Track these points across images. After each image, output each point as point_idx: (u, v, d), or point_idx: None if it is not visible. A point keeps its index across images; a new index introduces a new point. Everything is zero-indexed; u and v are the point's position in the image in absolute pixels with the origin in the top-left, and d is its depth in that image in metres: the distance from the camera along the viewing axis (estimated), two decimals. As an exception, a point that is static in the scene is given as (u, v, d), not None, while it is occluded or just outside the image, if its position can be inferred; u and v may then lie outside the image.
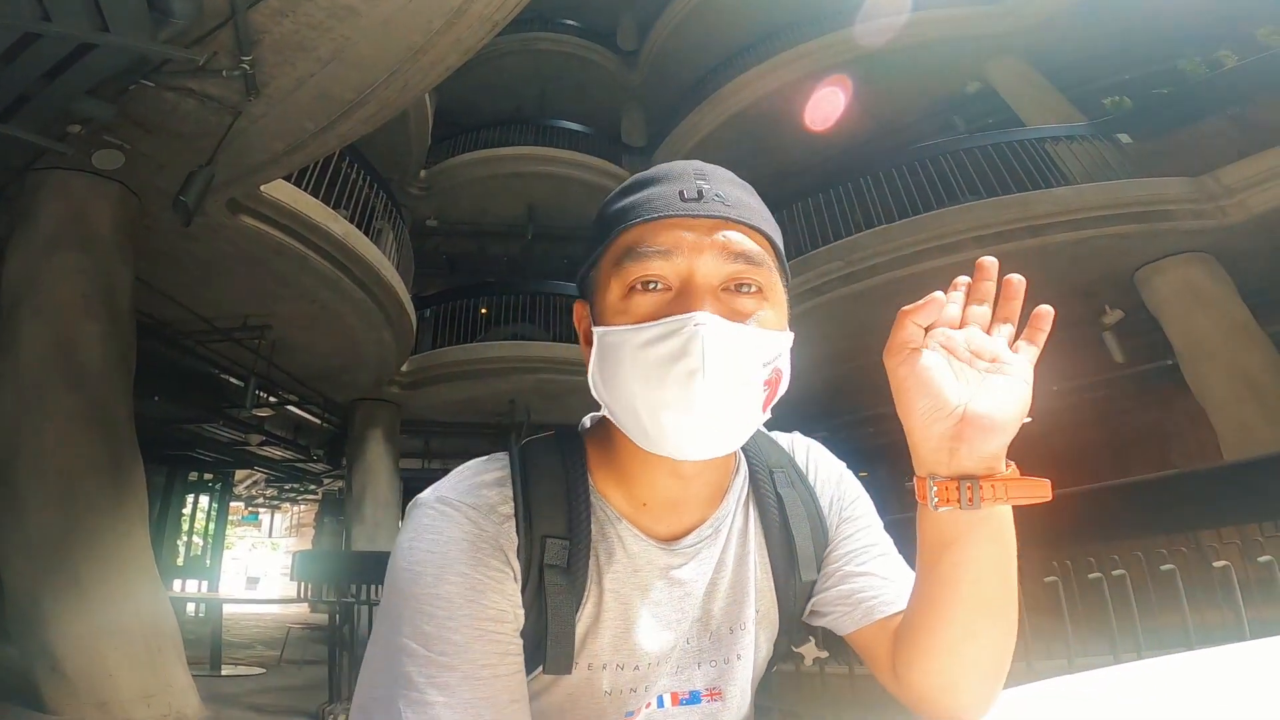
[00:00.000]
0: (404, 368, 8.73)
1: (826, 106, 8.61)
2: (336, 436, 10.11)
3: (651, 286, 0.56)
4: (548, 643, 0.58)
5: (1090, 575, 2.87)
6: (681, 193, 0.57)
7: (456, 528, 0.56)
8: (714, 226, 0.56)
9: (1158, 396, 6.80)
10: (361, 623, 4.22)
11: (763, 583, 0.67)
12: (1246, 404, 5.33)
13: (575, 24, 11.72)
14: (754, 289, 0.57)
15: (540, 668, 0.59)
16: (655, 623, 0.62)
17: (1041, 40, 8.01)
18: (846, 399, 8.55)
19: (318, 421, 9.65)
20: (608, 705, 0.62)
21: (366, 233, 6.37)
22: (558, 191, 10.59)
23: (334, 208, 5.80)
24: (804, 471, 0.72)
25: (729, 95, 9.25)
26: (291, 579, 8.57)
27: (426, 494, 0.59)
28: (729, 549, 0.66)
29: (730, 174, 0.63)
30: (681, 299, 0.54)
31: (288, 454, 11.30)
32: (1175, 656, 0.67)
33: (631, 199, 0.59)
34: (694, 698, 0.65)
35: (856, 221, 6.86)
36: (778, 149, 9.52)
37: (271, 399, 8.26)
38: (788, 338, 0.59)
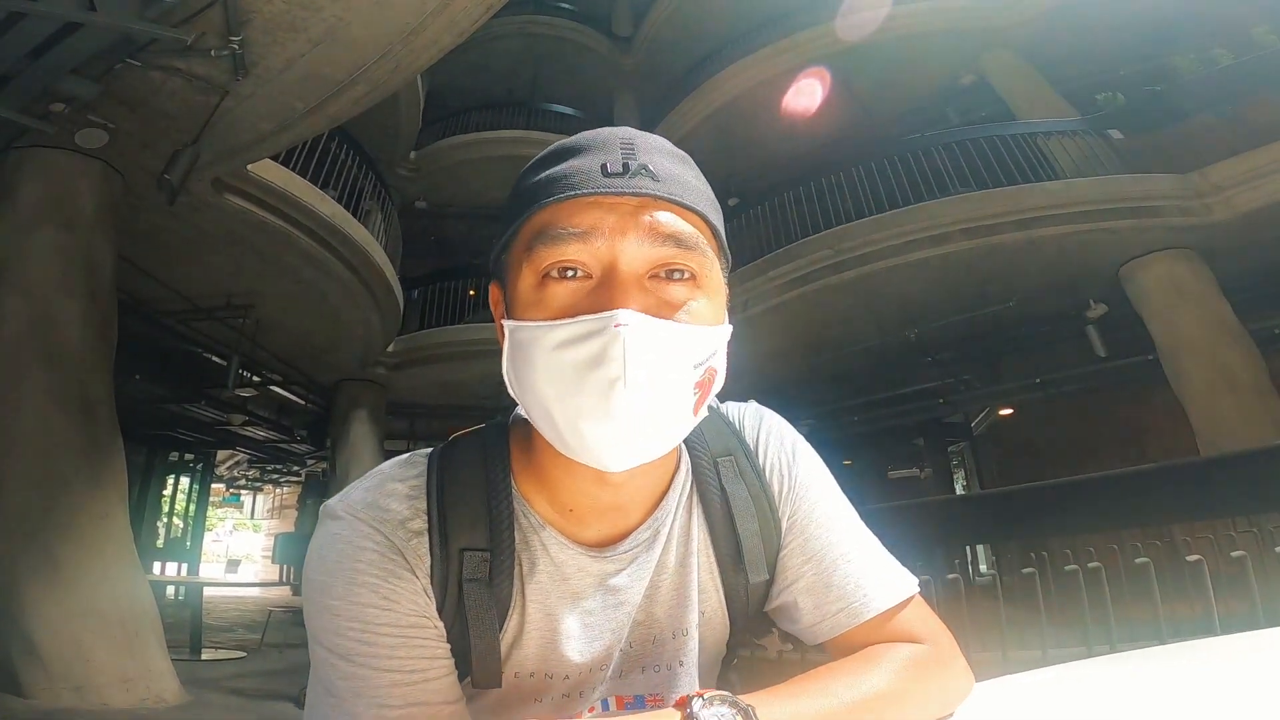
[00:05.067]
0: (390, 348, 8.69)
1: (819, 96, 8.59)
2: (320, 417, 10.05)
3: (568, 274, 0.49)
4: (472, 658, 0.54)
5: (1067, 567, 2.93)
6: (605, 165, 0.49)
7: (365, 539, 0.52)
8: (641, 205, 0.49)
9: (1138, 391, 6.91)
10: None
11: (708, 584, 0.62)
12: (1224, 400, 5.43)
13: (570, 8, 11.56)
14: (686, 275, 0.50)
15: (468, 679, 0.56)
16: (586, 633, 0.58)
17: (1037, 34, 8.01)
18: (832, 387, 8.63)
19: (301, 402, 9.58)
20: (544, 709, 0.58)
21: (355, 213, 6.30)
22: (548, 176, 10.54)
23: (322, 188, 5.74)
24: (754, 456, 0.65)
25: (722, 82, 9.18)
26: (274, 561, 8.55)
27: (335, 501, 0.55)
28: (670, 551, 0.61)
29: (665, 143, 0.55)
30: (602, 290, 0.48)
31: (271, 435, 11.19)
32: (1146, 650, 0.69)
33: (548, 172, 0.51)
34: (639, 701, 0.61)
35: (847, 211, 6.88)
36: (770, 137, 9.50)
37: (255, 379, 8.19)
38: (724, 331, 0.53)
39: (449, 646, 0.54)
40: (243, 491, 19.00)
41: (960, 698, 0.56)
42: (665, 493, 0.61)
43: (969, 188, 6.35)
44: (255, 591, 11.83)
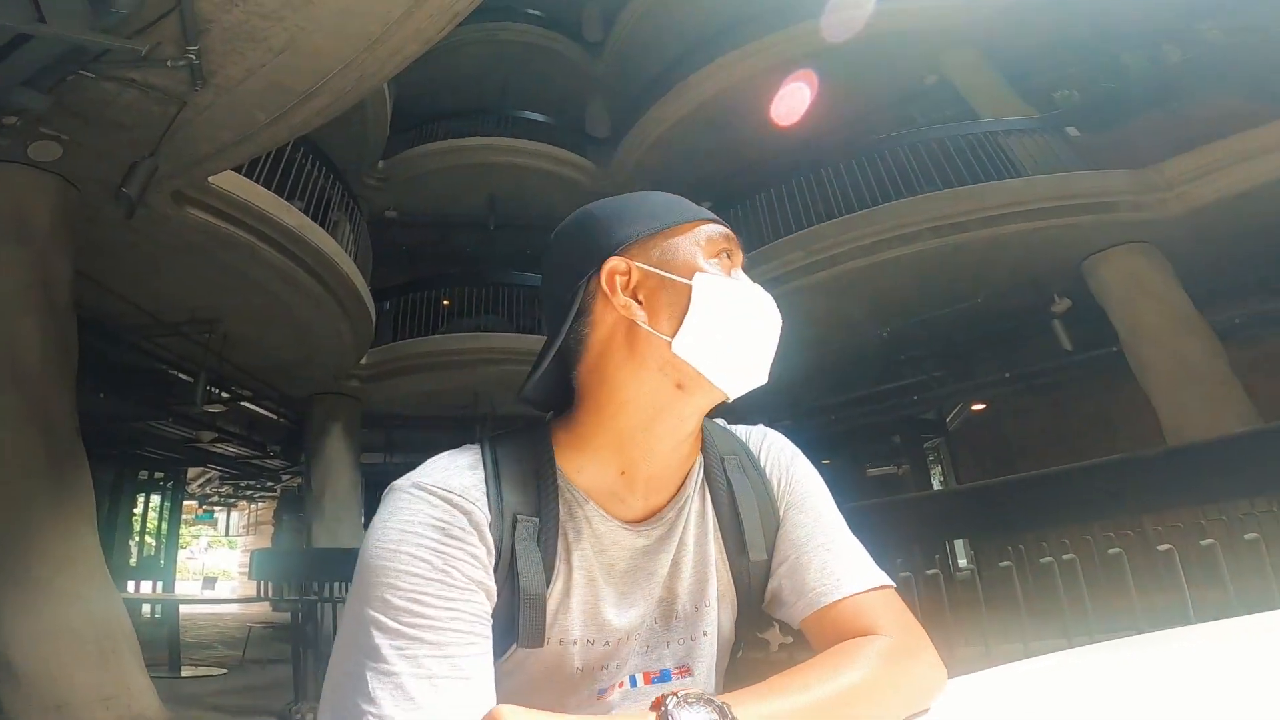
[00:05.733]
0: (363, 360, 8.57)
1: (790, 99, 8.66)
2: (294, 432, 9.90)
3: (726, 257, 0.69)
4: (520, 615, 0.60)
5: (1043, 560, 2.97)
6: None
7: (430, 509, 0.58)
8: None
9: (1104, 383, 7.06)
10: (326, 621, 4.15)
11: (719, 563, 0.71)
12: (1187, 389, 5.57)
13: (538, 14, 11.50)
14: None
15: (514, 644, 0.61)
16: (622, 600, 0.66)
17: (996, 33, 8.10)
18: (808, 387, 8.70)
19: (274, 417, 9.42)
20: (580, 681, 0.65)
21: (322, 224, 6.20)
22: (520, 182, 10.46)
23: (287, 199, 5.63)
24: (756, 457, 0.76)
25: (693, 87, 9.21)
26: (250, 578, 8.40)
27: (402, 480, 0.62)
28: (689, 530, 0.70)
29: None
30: (740, 273, 0.70)
31: (243, 451, 11.02)
32: (1123, 640, 0.71)
33: (679, 202, 0.72)
34: (665, 675, 0.68)
35: (818, 212, 6.94)
36: (741, 140, 9.54)
37: (224, 395, 8.03)
38: None
39: (490, 624, 0.58)
40: (216, 508, 18.68)
41: (933, 691, 0.60)
42: (685, 479, 0.71)
43: (935, 187, 6.43)
44: (233, 608, 11.67)
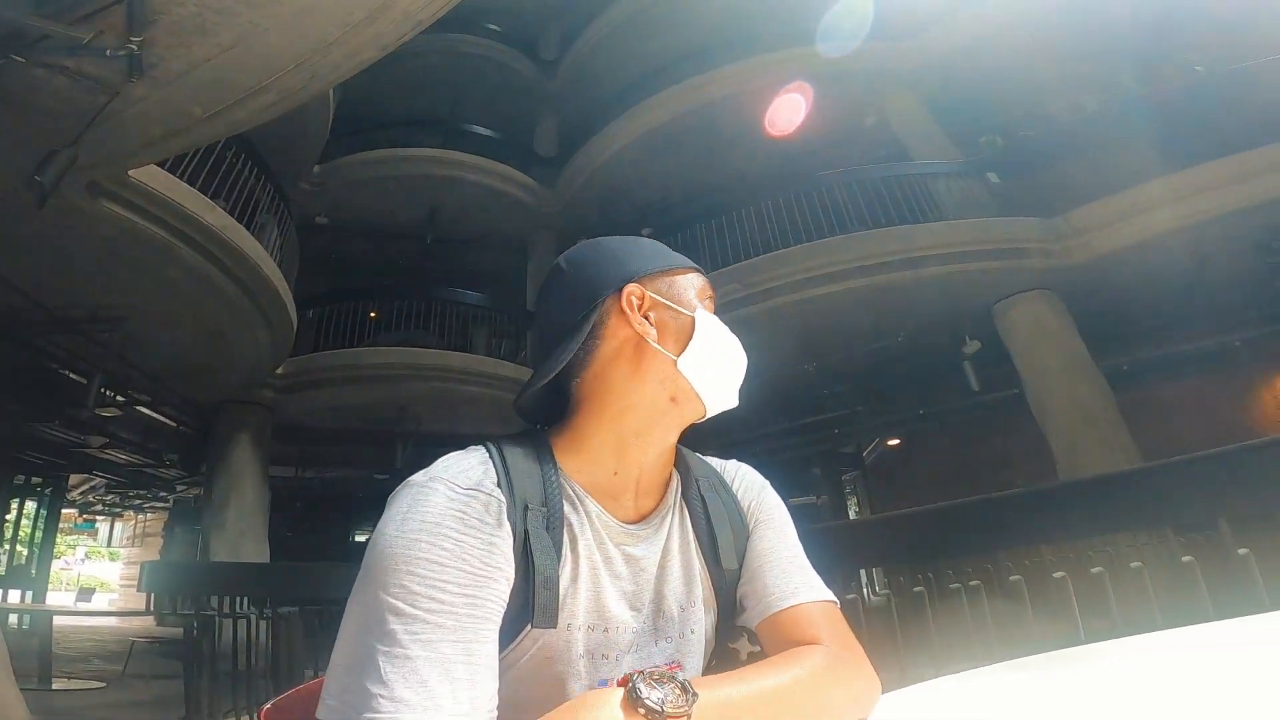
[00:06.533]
0: (280, 369, 8.16)
1: (739, 130, 8.82)
2: (195, 441, 9.28)
3: (710, 303, 0.81)
4: (535, 595, 0.63)
5: (952, 585, 3.14)
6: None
7: (449, 501, 0.62)
8: None
9: (1006, 422, 7.50)
10: (224, 637, 3.91)
11: (701, 572, 0.78)
12: (1080, 430, 5.93)
13: (497, 29, 11.35)
14: None
15: (528, 626, 0.64)
16: (618, 593, 0.72)
17: (934, 78, 8.30)
18: (736, 420, 8.84)
19: (173, 424, 8.83)
20: (582, 669, 0.68)
21: (249, 226, 5.92)
22: (463, 197, 10.23)
23: (213, 198, 5.36)
24: (728, 483, 0.85)
25: (642, 113, 9.24)
26: (140, 590, 7.83)
27: (418, 476, 0.65)
28: (673, 537, 0.77)
29: None
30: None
31: (135, 458, 10.25)
32: (1019, 660, 0.78)
33: (673, 252, 0.83)
34: None
35: (756, 245, 7.07)
36: (685, 170, 9.67)
37: (119, 398, 7.47)
38: None
39: (501, 613, 0.62)
40: (99, 518, 17.26)
41: (871, 701, 0.68)
42: (665, 491, 0.79)
43: (865, 226, 6.64)
44: (112, 621, 10.84)
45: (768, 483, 0.88)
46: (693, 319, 0.76)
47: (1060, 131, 7.57)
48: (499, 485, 0.65)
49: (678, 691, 0.54)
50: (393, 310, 9.11)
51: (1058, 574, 2.73)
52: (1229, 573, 2.17)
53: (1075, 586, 2.62)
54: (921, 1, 7.91)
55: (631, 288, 0.75)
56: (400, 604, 0.56)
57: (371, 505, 13.95)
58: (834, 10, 7.90)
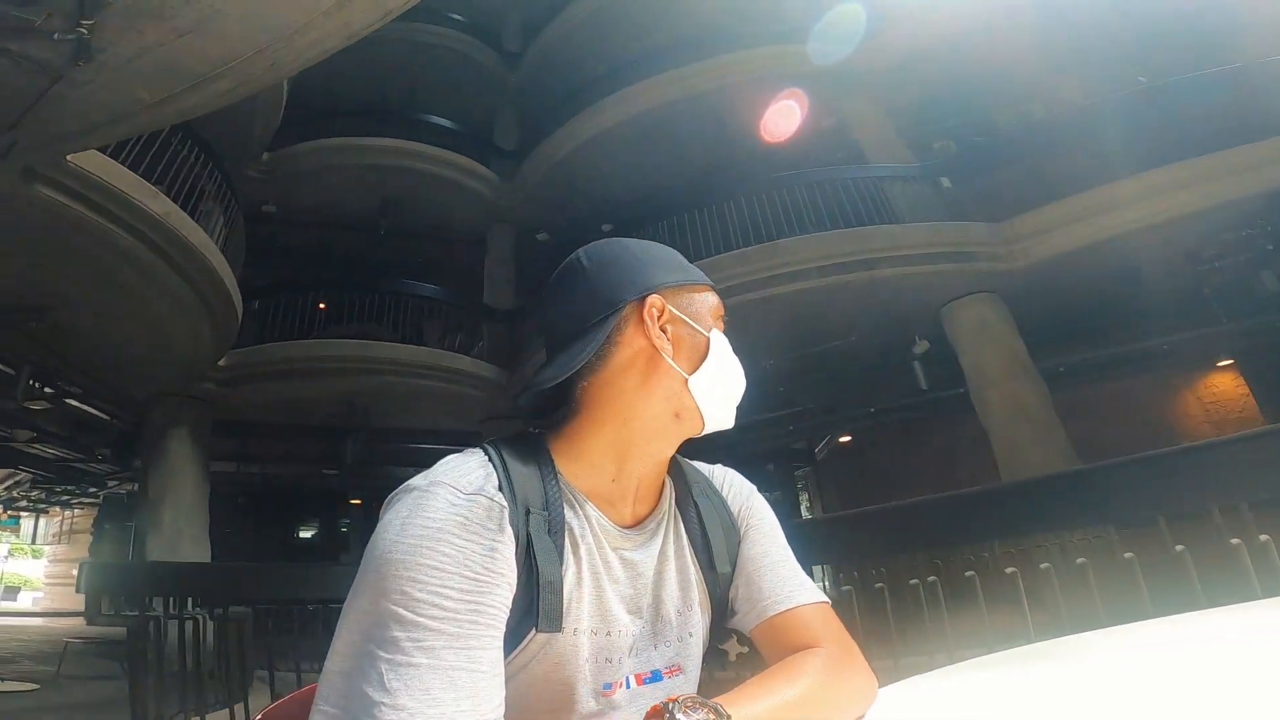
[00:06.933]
0: (222, 362, 7.83)
1: (703, 128, 8.85)
2: (128, 435, 8.87)
3: (723, 322, 0.82)
4: (539, 599, 0.63)
5: (911, 581, 3.25)
6: None
7: (451, 506, 0.61)
8: None
9: (952, 420, 7.73)
10: (170, 638, 3.77)
11: (696, 576, 0.79)
12: (1019, 429, 6.17)
13: (460, 18, 11.03)
14: None
15: (533, 631, 0.64)
16: (618, 597, 0.72)
17: (892, 82, 8.38)
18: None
19: (105, 418, 8.41)
20: (588, 674, 0.68)
21: (193, 214, 5.67)
22: (418, 188, 9.96)
23: (155, 184, 5.10)
24: (718, 488, 0.86)
25: (605, 109, 9.16)
26: (79, 590, 7.45)
27: (417, 479, 0.64)
28: (668, 541, 0.77)
29: None
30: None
31: (64, 453, 9.73)
32: (977, 659, 0.83)
33: (693, 266, 0.83)
34: (655, 676, 0.74)
35: (718, 243, 7.13)
36: (647, 166, 9.64)
37: (48, 390, 7.07)
38: None
39: (505, 618, 0.61)
40: (23, 513, 16.34)
41: (869, 697, 0.71)
42: (660, 498, 0.79)
43: (824, 226, 6.75)
44: (39, 621, 10.30)
45: (754, 488, 0.89)
46: (708, 339, 0.77)
47: (1008, 139, 7.81)
48: (501, 489, 0.65)
49: (713, 717, 0.56)
50: (343, 302, 8.84)
51: (1009, 570, 2.86)
52: (1167, 568, 2.32)
53: (1024, 583, 2.76)
54: (881, 4, 8.02)
55: (654, 299, 0.75)
56: (402, 611, 0.55)
57: (318, 501, 13.56)
58: (802, 13, 8.01)
